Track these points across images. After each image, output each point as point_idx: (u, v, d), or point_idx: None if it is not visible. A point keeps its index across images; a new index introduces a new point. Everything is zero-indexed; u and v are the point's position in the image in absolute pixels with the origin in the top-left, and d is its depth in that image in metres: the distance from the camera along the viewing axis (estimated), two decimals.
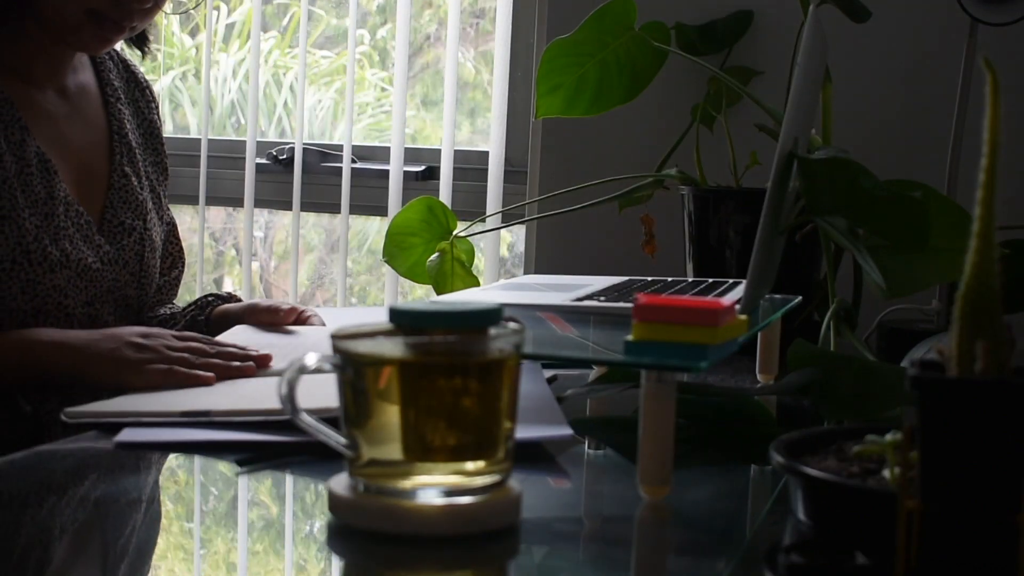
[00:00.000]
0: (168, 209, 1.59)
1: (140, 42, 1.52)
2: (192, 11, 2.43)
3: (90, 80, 1.51)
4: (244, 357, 1.17)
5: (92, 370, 1.19)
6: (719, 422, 0.96)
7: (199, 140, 2.37)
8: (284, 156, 2.34)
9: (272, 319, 1.39)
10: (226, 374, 1.15)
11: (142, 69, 1.61)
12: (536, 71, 1.67)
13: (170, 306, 1.57)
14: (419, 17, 2.51)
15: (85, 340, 1.23)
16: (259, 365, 1.17)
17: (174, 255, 1.59)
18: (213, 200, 2.41)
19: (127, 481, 0.88)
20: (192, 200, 2.38)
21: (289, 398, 0.74)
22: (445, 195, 2.18)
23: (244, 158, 2.33)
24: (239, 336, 1.31)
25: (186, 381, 1.12)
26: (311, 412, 0.76)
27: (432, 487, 0.72)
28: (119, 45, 1.54)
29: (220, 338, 1.29)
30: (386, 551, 0.71)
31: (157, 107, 1.60)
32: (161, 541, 0.77)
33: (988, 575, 0.59)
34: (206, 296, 1.52)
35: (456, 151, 2.23)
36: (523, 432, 0.84)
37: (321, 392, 0.87)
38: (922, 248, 1.13)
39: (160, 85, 2.57)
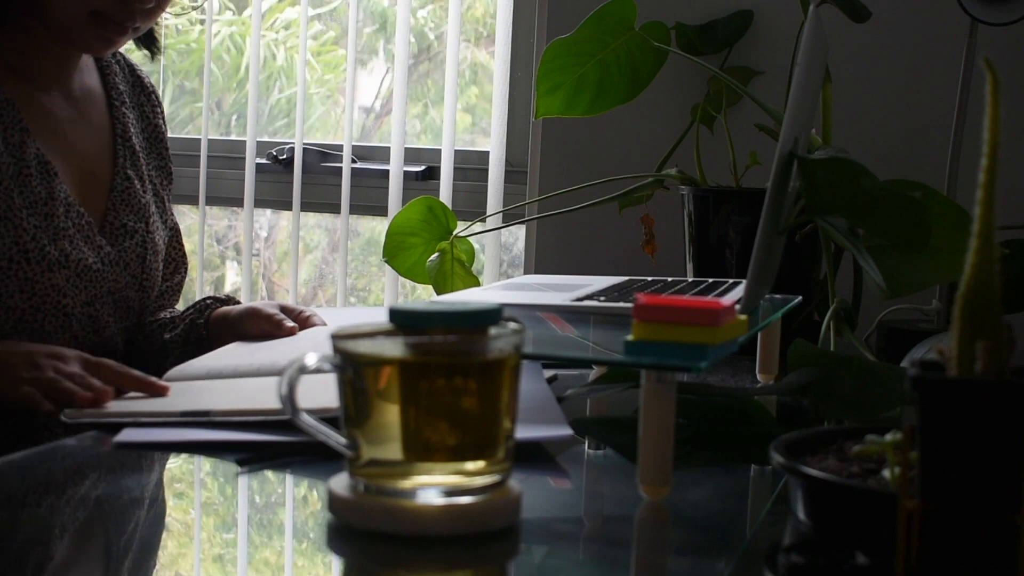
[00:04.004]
0: (172, 214, 1.60)
1: (148, 43, 1.52)
2: (195, 11, 2.43)
3: (95, 84, 1.51)
4: (100, 390, 1.10)
5: None
6: (719, 422, 0.96)
7: (199, 140, 2.37)
8: (284, 156, 2.34)
9: (272, 329, 1.38)
10: (69, 399, 1.09)
11: (146, 71, 1.61)
12: (536, 71, 1.67)
13: (170, 310, 1.57)
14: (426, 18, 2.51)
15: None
16: (94, 402, 1.08)
17: (176, 260, 1.59)
18: (213, 200, 2.41)
19: (127, 481, 0.88)
20: (193, 200, 2.38)
21: (289, 398, 0.74)
22: (445, 195, 2.18)
23: (244, 158, 2.34)
24: (237, 350, 1.30)
25: (36, 405, 1.11)
26: (311, 412, 0.76)
27: (432, 487, 0.72)
28: (125, 48, 1.54)
29: (218, 352, 1.29)
30: (386, 551, 0.71)
31: (162, 112, 1.60)
32: (161, 541, 0.77)
33: (988, 575, 0.59)
34: (204, 299, 1.52)
35: (456, 151, 2.23)
36: (523, 432, 0.84)
37: (321, 392, 0.87)
38: (922, 248, 1.13)
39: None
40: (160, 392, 1.11)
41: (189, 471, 0.93)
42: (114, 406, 1.06)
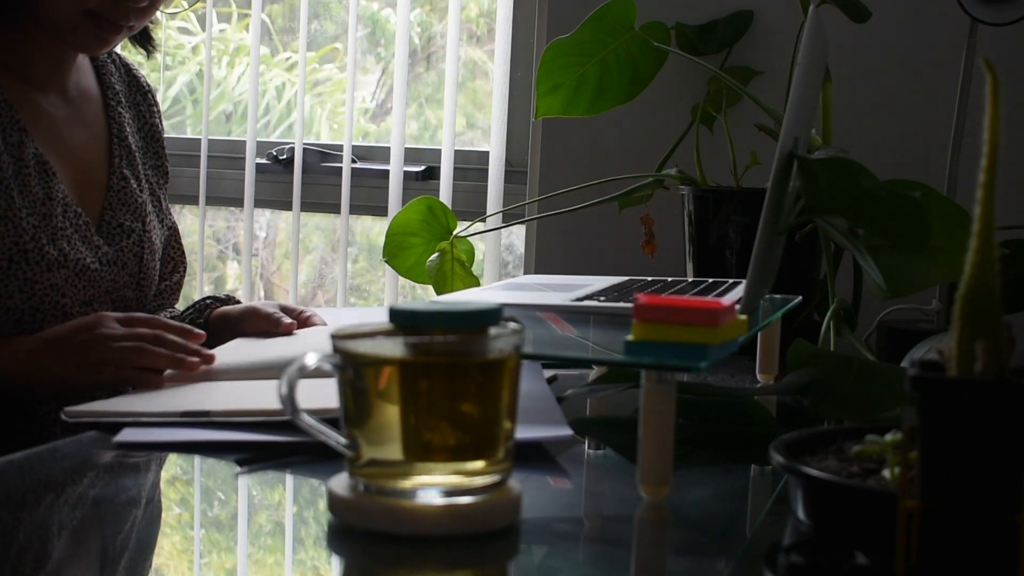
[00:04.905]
0: (170, 213, 1.60)
1: (144, 42, 1.53)
2: (190, 10, 2.43)
3: (91, 83, 1.51)
4: (188, 350, 1.19)
5: (50, 378, 1.24)
6: (719, 422, 0.96)
7: (199, 140, 2.37)
8: (284, 156, 2.34)
9: (271, 328, 1.38)
10: (172, 366, 1.17)
11: (144, 72, 1.61)
12: (536, 71, 1.67)
13: (170, 310, 1.57)
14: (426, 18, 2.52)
15: (33, 348, 1.25)
16: (204, 361, 1.18)
17: (175, 259, 1.59)
18: (213, 200, 2.41)
19: (127, 481, 0.88)
20: (192, 200, 2.38)
21: (289, 398, 0.74)
22: (445, 195, 2.18)
23: (244, 158, 2.34)
24: (238, 349, 1.30)
25: (136, 381, 1.17)
26: (311, 412, 0.76)
27: (432, 487, 0.72)
28: (120, 47, 1.54)
29: (218, 350, 1.29)
30: (386, 551, 0.71)
31: (159, 111, 1.60)
32: (160, 541, 0.77)
33: (988, 575, 0.59)
34: (204, 299, 1.52)
35: (456, 151, 2.23)
36: (523, 432, 0.84)
37: (321, 392, 0.87)
38: (922, 248, 1.14)
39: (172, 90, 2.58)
40: (200, 339, 1.20)
41: (189, 471, 0.93)
42: (114, 405, 1.06)
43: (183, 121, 2.66)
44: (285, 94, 2.64)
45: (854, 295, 1.49)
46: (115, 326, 1.22)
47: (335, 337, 0.74)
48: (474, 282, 1.78)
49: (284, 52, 2.66)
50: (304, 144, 2.31)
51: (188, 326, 1.24)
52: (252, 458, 0.91)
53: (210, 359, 1.18)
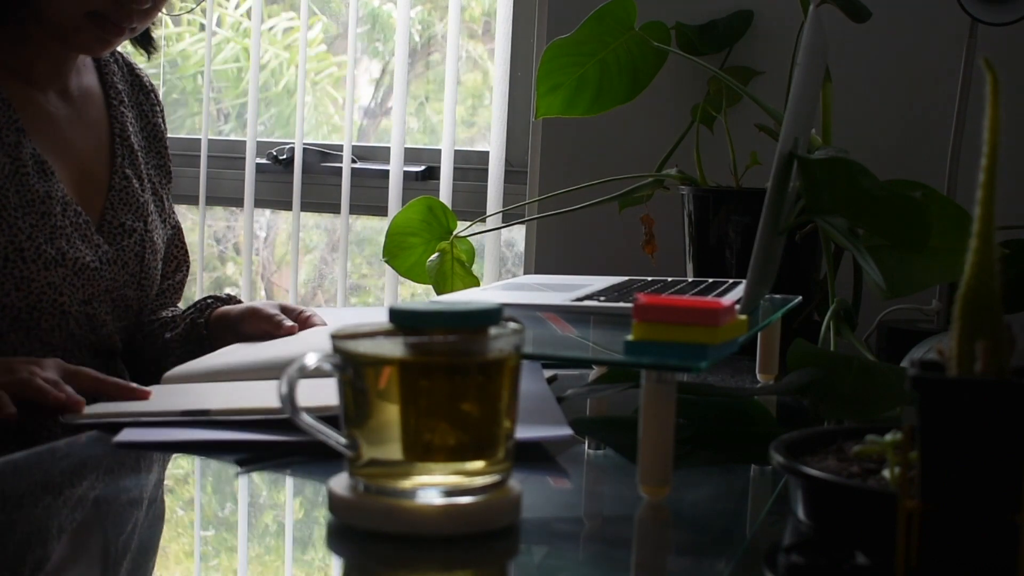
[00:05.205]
0: (173, 212, 1.60)
1: (145, 43, 1.53)
2: (192, 11, 2.43)
3: (93, 83, 1.51)
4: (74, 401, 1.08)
5: None
6: (719, 422, 0.96)
7: (199, 140, 2.37)
8: (284, 156, 2.34)
9: (272, 329, 1.38)
10: (42, 398, 1.07)
11: (146, 71, 1.62)
12: (536, 71, 1.67)
13: (172, 309, 1.57)
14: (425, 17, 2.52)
15: None
16: (64, 406, 1.07)
17: (178, 258, 1.59)
18: (213, 200, 2.41)
19: (127, 481, 0.88)
20: (192, 200, 2.38)
21: (289, 398, 0.74)
22: (445, 195, 2.18)
23: (244, 158, 2.34)
24: (237, 351, 1.30)
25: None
26: (311, 412, 0.76)
27: (432, 487, 0.72)
28: (122, 47, 1.54)
29: (218, 352, 1.28)
30: (386, 551, 0.71)
31: (162, 110, 1.61)
32: (161, 541, 0.77)
33: (988, 575, 0.59)
34: (205, 299, 1.52)
35: (456, 151, 2.23)
36: (523, 432, 0.84)
37: (321, 392, 0.87)
38: (922, 248, 1.13)
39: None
40: (141, 397, 1.10)
41: (189, 471, 0.93)
42: (114, 406, 1.06)
43: (178, 115, 2.66)
44: (280, 68, 2.63)
45: (854, 295, 1.49)
46: (49, 374, 1.13)
47: (335, 337, 0.74)
48: (474, 282, 1.78)
49: (279, 14, 2.64)
50: (304, 144, 2.31)
51: (133, 386, 1.12)
52: (252, 458, 0.91)
53: (67, 408, 1.07)
